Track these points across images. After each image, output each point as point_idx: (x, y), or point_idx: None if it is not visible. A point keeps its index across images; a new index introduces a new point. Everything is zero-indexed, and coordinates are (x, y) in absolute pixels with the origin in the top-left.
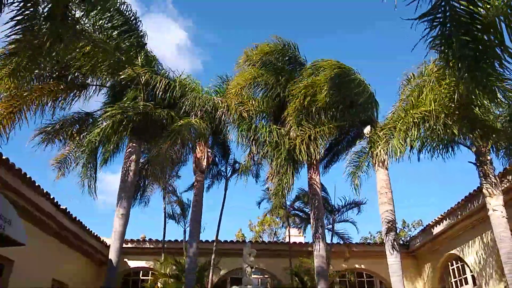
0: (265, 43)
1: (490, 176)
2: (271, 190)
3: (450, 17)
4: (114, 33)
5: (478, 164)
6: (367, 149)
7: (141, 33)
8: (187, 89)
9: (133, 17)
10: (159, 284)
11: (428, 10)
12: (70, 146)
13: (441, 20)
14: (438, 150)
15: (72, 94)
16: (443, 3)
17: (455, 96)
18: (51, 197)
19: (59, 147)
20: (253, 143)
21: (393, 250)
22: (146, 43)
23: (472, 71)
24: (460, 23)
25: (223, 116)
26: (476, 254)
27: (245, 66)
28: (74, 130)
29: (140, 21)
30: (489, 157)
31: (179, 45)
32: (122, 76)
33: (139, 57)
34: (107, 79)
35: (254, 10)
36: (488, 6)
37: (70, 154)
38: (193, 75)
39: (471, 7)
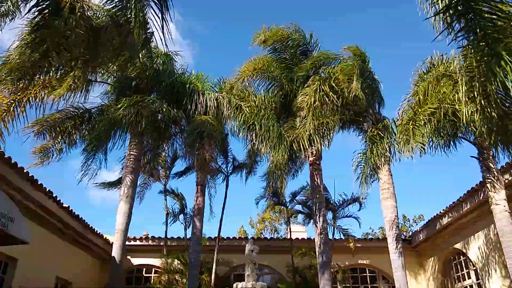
0: (280, 28)
1: (493, 170)
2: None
3: (472, 8)
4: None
5: (480, 159)
6: (370, 145)
7: (149, 30)
8: (189, 84)
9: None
10: (162, 281)
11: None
12: (55, 139)
13: (462, 12)
14: (440, 145)
15: (76, 90)
16: None
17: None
18: (54, 195)
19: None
20: (252, 135)
21: (395, 245)
22: (152, 41)
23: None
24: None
25: (225, 111)
26: (479, 249)
27: (258, 49)
28: (69, 126)
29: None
30: (491, 151)
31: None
32: (130, 71)
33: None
34: (115, 73)
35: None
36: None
37: (54, 147)
38: (182, 69)
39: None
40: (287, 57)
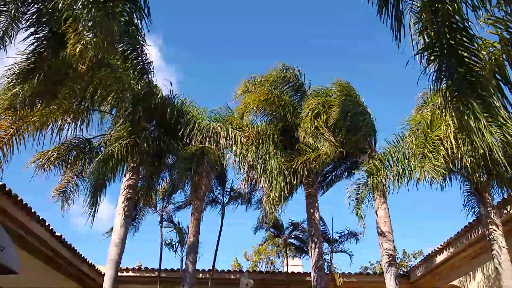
0: (269, 72)
1: (489, 206)
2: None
3: (447, 51)
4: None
5: (476, 194)
6: (366, 179)
7: (147, 60)
8: (186, 114)
9: (140, 43)
10: None
11: (425, 45)
12: (68, 175)
13: (438, 53)
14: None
15: (78, 119)
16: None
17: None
18: (47, 223)
19: (57, 174)
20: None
21: (393, 281)
22: (152, 71)
23: (467, 102)
24: (457, 56)
25: (222, 142)
26: (477, 286)
27: (244, 96)
28: (71, 157)
29: (147, 47)
30: (487, 187)
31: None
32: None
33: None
34: (113, 104)
35: (225, 25)
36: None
37: (70, 183)
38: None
39: (466, 41)
40: (279, 95)
